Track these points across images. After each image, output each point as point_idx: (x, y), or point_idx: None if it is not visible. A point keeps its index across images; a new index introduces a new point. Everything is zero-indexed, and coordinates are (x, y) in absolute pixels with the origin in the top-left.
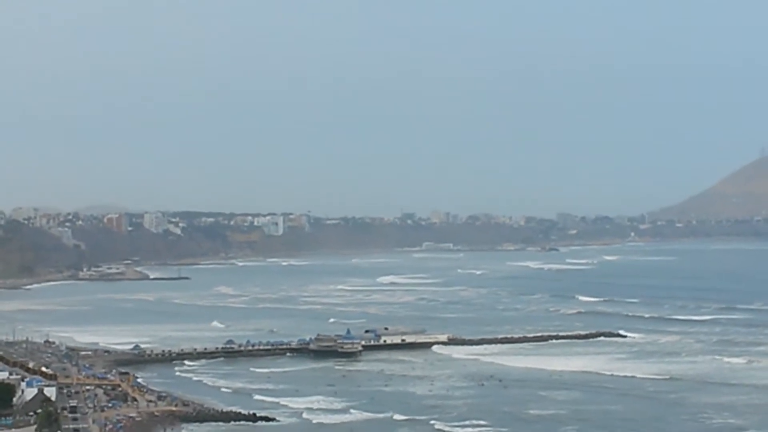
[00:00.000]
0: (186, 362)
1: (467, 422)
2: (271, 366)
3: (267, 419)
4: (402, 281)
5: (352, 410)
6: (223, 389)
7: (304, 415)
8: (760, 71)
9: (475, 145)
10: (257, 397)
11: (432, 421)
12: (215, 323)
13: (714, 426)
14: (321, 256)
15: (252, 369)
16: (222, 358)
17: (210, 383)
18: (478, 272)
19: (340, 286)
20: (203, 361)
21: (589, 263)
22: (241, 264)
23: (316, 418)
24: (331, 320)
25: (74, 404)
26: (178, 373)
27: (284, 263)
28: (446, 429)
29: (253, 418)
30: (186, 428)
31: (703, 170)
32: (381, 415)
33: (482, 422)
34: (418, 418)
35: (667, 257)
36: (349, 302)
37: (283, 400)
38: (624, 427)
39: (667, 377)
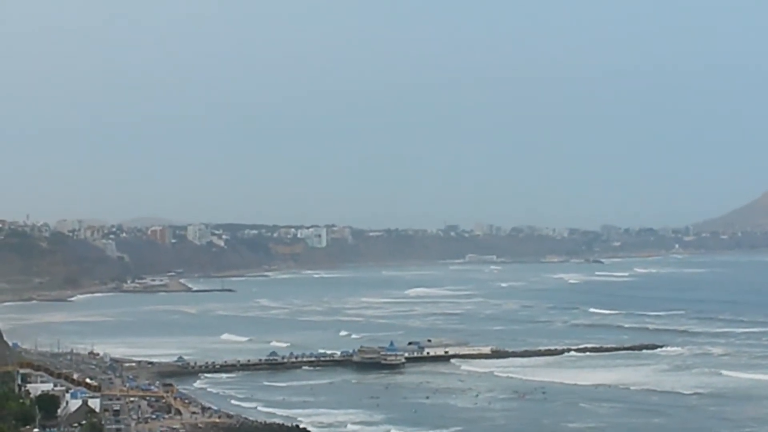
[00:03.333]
0: (229, 374)
1: None
2: (314, 378)
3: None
4: (441, 293)
5: (391, 423)
6: (265, 401)
7: (346, 428)
8: None
9: (518, 157)
10: (299, 410)
11: None
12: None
13: None
14: (364, 269)
15: (295, 381)
16: (265, 370)
17: (253, 395)
18: (517, 284)
19: (375, 299)
20: (246, 372)
21: (630, 275)
22: (284, 276)
23: (353, 430)
24: (342, 332)
25: (118, 416)
26: (221, 385)
27: (327, 275)
28: None
29: (296, 430)
30: None
31: (748, 182)
32: (420, 429)
33: None
34: (458, 431)
35: (710, 269)
36: (386, 315)
37: (325, 413)
38: None
39: (710, 390)
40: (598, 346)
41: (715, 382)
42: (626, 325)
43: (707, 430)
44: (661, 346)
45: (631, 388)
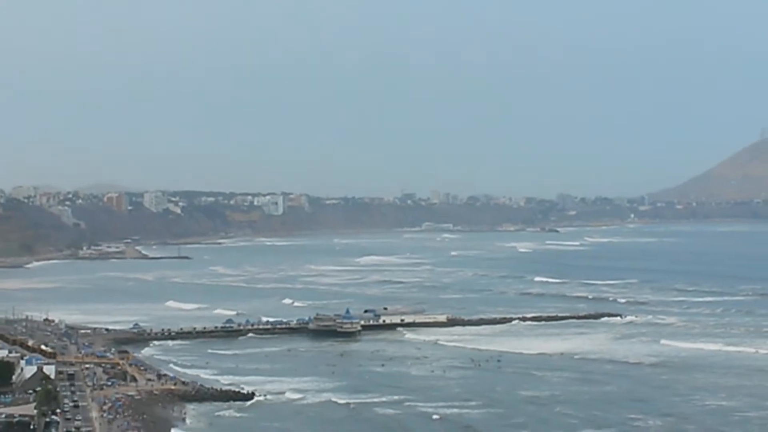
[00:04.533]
0: (184, 341)
1: (456, 403)
2: (270, 345)
3: (266, 398)
4: (393, 261)
5: (345, 391)
6: (219, 368)
7: (297, 395)
8: (761, 54)
9: (476, 126)
10: (253, 377)
11: (420, 403)
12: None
13: (707, 408)
14: (320, 237)
15: (250, 349)
16: (220, 338)
17: (209, 362)
18: (469, 253)
19: (330, 267)
20: (202, 339)
21: (580, 245)
22: (240, 243)
23: (309, 399)
24: (286, 300)
25: (74, 382)
26: (176, 352)
27: (283, 243)
28: (430, 411)
29: (250, 397)
30: (185, 407)
31: (703, 152)
32: (372, 396)
33: (472, 403)
34: (409, 399)
35: (660, 239)
36: (341, 282)
37: (278, 380)
38: (614, 408)
39: (662, 359)
40: (553, 315)
41: (668, 352)
42: (576, 294)
43: (657, 399)
44: (616, 315)
45: (584, 357)
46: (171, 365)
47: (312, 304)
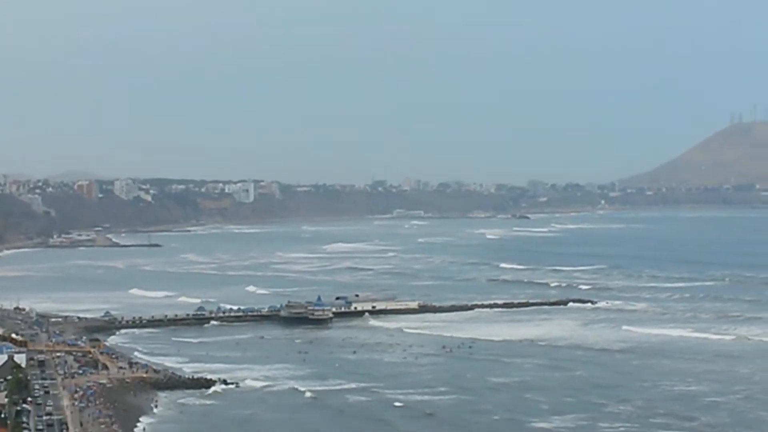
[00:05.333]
0: (156, 329)
1: (426, 390)
2: (241, 333)
3: (236, 385)
4: (362, 248)
5: (315, 378)
6: (190, 356)
7: (268, 383)
8: (733, 38)
9: (446, 112)
10: (223, 364)
11: (389, 390)
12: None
13: (676, 392)
14: (291, 224)
15: (222, 336)
16: (192, 325)
17: (180, 350)
18: (436, 240)
19: (300, 254)
20: (173, 327)
21: (548, 231)
22: (211, 231)
23: (279, 386)
24: (250, 288)
25: (45, 371)
26: (148, 340)
27: (254, 230)
28: (399, 397)
29: (222, 384)
30: (156, 395)
31: (674, 138)
32: (342, 384)
33: (441, 390)
34: (378, 386)
35: (628, 225)
36: (310, 270)
37: (249, 367)
38: (584, 393)
39: (631, 344)
40: (524, 301)
41: (637, 337)
42: (545, 281)
43: (626, 385)
44: (586, 302)
45: (553, 343)
46: (141, 353)
47: (278, 291)
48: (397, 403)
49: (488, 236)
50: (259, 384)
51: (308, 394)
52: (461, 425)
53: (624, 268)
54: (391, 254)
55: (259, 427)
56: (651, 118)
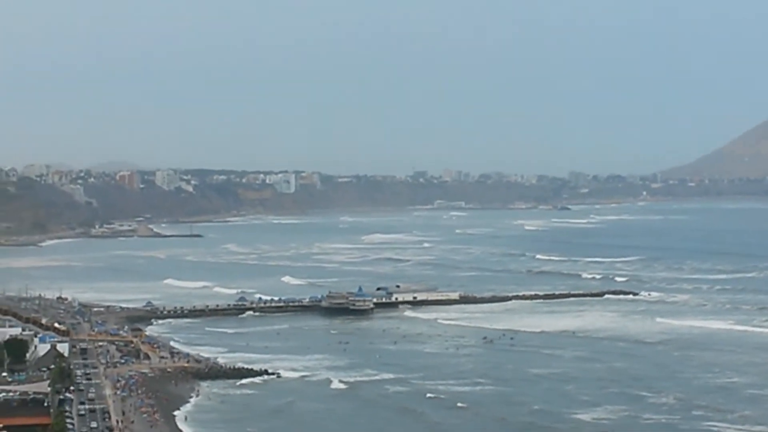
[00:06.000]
0: (197, 319)
1: (466, 381)
2: (281, 323)
3: (277, 376)
4: (401, 239)
5: (353, 368)
6: (233, 346)
7: (307, 373)
8: None
9: (488, 103)
10: (266, 354)
11: (429, 381)
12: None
13: (717, 384)
14: (332, 215)
15: (262, 326)
16: (233, 315)
17: (222, 340)
18: (474, 231)
19: (341, 245)
20: (215, 317)
21: (587, 222)
22: (252, 221)
23: (317, 376)
24: (285, 278)
25: (87, 360)
26: (188, 330)
27: (294, 221)
28: (440, 388)
29: (263, 374)
30: (198, 384)
31: (716, 130)
32: (382, 374)
33: (481, 380)
34: (416, 377)
35: (665, 216)
36: (346, 261)
37: (289, 358)
38: (626, 385)
39: (673, 336)
40: (565, 292)
41: (679, 329)
42: (586, 272)
43: (669, 377)
44: (628, 293)
45: (595, 334)
46: (182, 343)
47: (314, 282)
48: (429, 395)
49: (527, 227)
50: (298, 374)
51: (344, 385)
52: (493, 417)
53: (664, 260)
54: (430, 245)
55: (295, 416)
56: (694, 109)
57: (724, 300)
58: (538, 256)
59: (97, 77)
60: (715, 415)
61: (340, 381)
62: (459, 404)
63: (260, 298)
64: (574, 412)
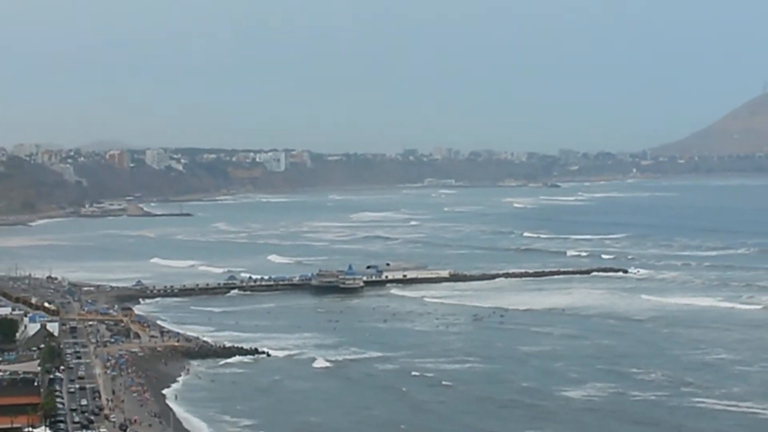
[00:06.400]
0: (186, 297)
1: (455, 359)
2: (272, 301)
3: (267, 354)
4: (389, 217)
5: (343, 347)
6: (224, 324)
7: (296, 351)
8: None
9: (477, 80)
10: (256, 333)
11: (418, 359)
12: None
13: (706, 361)
14: (322, 193)
15: (252, 305)
16: (223, 294)
17: (212, 319)
18: (462, 209)
19: (327, 223)
20: (205, 296)
21: (575, 200)
22: (243, 200)
23: (307, 354)
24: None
25: (77, 339)
26: (177, 309)
27: (285, 199)
28: (429, 366)
29: (253, 353)
30: (188, 363)
31: (706, 106)
32: (371, 352)
33: (471, 359)
34: (405, 355)
35: (665, 193)
36: (338, 239)
37: (278, 336)
38: (616, 362)
39: (663, 313)
40: (555, 270)
41: (668, 306)
42: (575, 250)
43: (658, 353)
44: (618, 270)
45: (585, 312)
46: (171, 322)
47: (301, 260)
48: (414, 373)
49: (516, 205)
50: (287, 353)
51: (331, 364)
52: (479, 395)
53: (653, 237)
54: (417, 223)
55: (282, 395)
56: (683, 86)
57: (712, 277)
58: (526, 234)
59: (87, 57)
60: (703, 391)
61: (328, 360)
62: (444, 382)
63: (250, 277)
64: (562, 389)
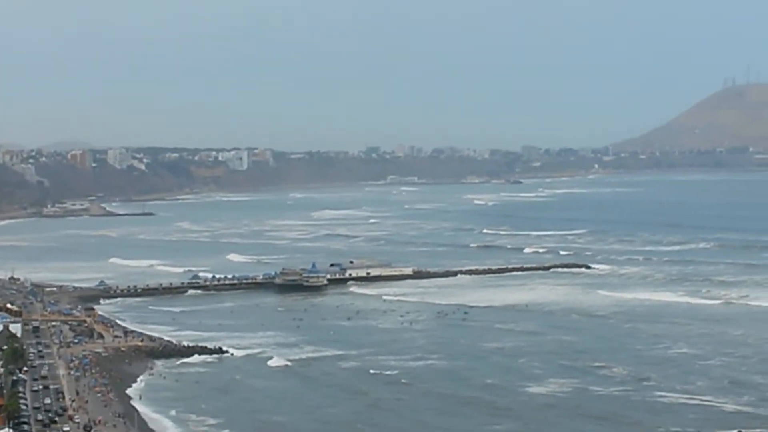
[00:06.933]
0: (150, 297)
1: (418, 356)
2: (235, 300)
3: (231, 354)
4: (351, 214)
5: (307, 345)
6: (187, 324)
7: (260, 350)
8: (725, 3)
9: (439, 78)
10: (220, 332)
11: (381, 356)
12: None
13: (669, 356)
14: (285, 191)
15: (216, 304)
16: (187, 293)
17: (175, 318)
18: (424, 206)
19: (289, 222)
20: (168, 296)
21: (536, 196)
22: (205, 199)
23: (269, 353)
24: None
25: (40, 340)
26: (143, 308)
27: (248, 198)
28: (392, 363)
29: (217, 352)
30: (152, 363)
31: (668, 102)
32: (333, 350)
33: (434, 356)
34: (368, 353)
35: (626, 189)
36: (301, 238)
37: (241, 335)
38: (579, 357)
39: (625, 308)
40: (518, 266)
41: (630, 301)
42: (537, 246)
43: (621, 348)
44: (581, 266)
45: (548, 308)
46: (134, 322)
47: (261, 259)
48: (373, 371)
49: (476, 202)
50: (251, 352)
51: (292, 363)
52: (437, 392)
53: (613, 233)
54: (377, 221)
55: (242, 393)
56: (645, 81)
57: (673, 272)
58: (487, 231)
59: (48, 57)
60: (665, 386)
61: (290, 359)
62: (404, 380)
63: (213, 276)
64: (525, 385)
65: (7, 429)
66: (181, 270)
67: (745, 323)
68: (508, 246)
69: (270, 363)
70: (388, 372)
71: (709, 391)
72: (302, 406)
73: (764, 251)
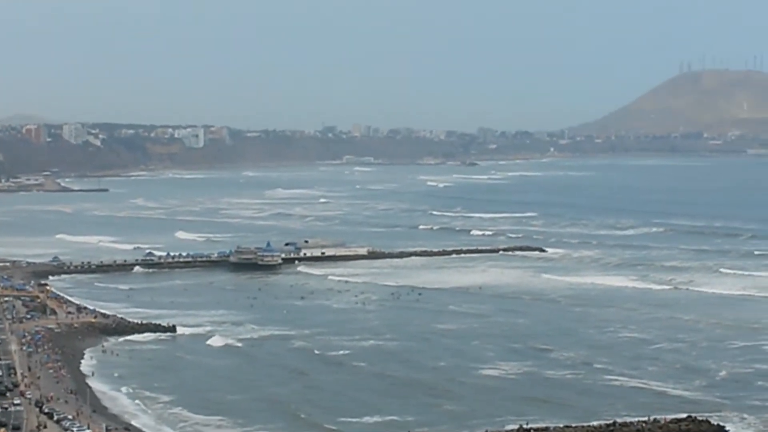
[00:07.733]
0: (103, 273)
1: (370, 337)
2: (190, 278)
3: (183, 331)
4: (304, 193)
5: (257, 324)
6: (140, 301)
7: (212, 328)
8: None
9: (396, 58)
10: (173, 309)
11: (333, 336)
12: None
13: (621, 340)
14: (241, 170)
15: (170, 281)
16: (141, 270)
17: (128, 295)
18: (377, 187)
19: (244, 200)
20: (122, 272)
21: (492, 178)
22: (161, 176)
23: (223, 331)
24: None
25: None
26: (97, 284)
27: (203, 176)
28: (344, 343)
29: (171, 329)
30: (105, 340)
31: (624, 86)
32: (284, 330)
33: (387, 336)
34: (319, 332)
35: (576, 172)
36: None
37: (195, 314)
38: (530, 340)
39: (577, 292)
40: (473, 248)
41: (581, 284)
42: (490, 228)
43: (572, 332)
44: (534, 249)
45: (501, 290)
46: (88, 298)
47: (209, 236)
48: (317, 351)
49: (429, 183)
50: (204, 329)
51: (244, 343)
52: (381, 374)
53: (568, 216)
54: (327, 200)
55: (194, 371)
56: (601, 66)
57: (626, 256)
58: (439, 213)
59: (4, 30)
60: (617, 369)
61: (239, 338)
62: (352, 362)
63: (168, 254)
64: (475, 368)
65: None
66: (130, 247)
67: (695, 308)
68: (461, 228)
69: (219, 342)
70: (337, 352)
71: (659, 376)
72: (246, 386)
73: (715, 237)
